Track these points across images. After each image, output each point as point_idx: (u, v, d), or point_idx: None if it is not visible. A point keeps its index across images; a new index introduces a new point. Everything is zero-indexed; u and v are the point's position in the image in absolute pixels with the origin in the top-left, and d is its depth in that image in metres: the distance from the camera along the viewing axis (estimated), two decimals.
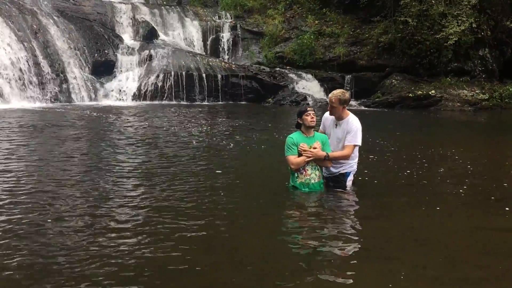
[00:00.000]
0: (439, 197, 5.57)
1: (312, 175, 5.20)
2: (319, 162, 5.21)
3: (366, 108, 18.18)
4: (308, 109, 5.20)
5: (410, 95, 18.44)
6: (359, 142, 5.25)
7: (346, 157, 5.27)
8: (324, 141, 5.27)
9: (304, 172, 5.18)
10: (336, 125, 5.37)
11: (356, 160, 5.48)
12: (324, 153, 5.12)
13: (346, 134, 5.25)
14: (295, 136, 5.23)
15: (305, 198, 5.21)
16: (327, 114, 5.50)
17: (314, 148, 5.11)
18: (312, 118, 5.13)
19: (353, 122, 5.26)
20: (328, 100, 5.29)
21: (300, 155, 5.13)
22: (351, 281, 3.30)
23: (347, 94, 5.31)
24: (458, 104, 18.16)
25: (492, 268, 3.59)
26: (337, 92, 5.32)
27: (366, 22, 21.39)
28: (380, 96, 19.15)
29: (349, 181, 5.45)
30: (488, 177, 6.56)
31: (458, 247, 4.01)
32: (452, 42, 17.95)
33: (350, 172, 5.44)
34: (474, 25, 18.48)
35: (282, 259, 3.66)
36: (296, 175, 5.22)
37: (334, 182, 5.44)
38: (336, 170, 5.41)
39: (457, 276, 3.46)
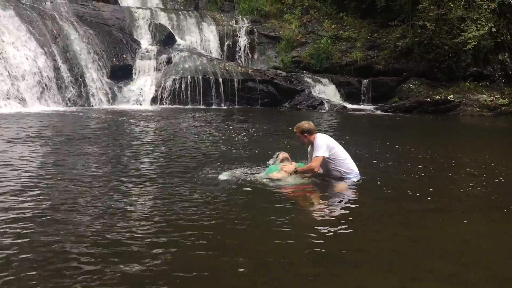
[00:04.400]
0: (456, 202, 5.50)
1: None
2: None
3: (383, 113, 18.05)
4: (278, 152, 6.64)
5: (428, 100, 18.27)
6: (321, 153, 5.96)
7: (312, 169, 6.03)
8: (299, 165, 6.25)
9: None
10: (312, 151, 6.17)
11: (350, 165, 6.10)
12: (293, 167, 6.09)
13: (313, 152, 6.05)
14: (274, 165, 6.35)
15: (317, 201, 5.33)
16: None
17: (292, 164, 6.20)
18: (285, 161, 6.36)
19: (317, 141, 6.02)
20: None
21: None
22: (365, 285, 3.28)
23: (306, 125, 6.10)
24: (477, 109, 17.93)
25: (507, 273, 3.54)
26: (299, 123, 6.19)
27: (383, 26, 21.29)
28: (398, 101, 19.01)
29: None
30: (505, 183, 6.45)
31: (474, 253, 3.95)
32: (471, 47, 17.74)
33: (348, 177, 6.06)
34: (493, 29, 18.25)
35: (295, 263, 3.65)
36: None
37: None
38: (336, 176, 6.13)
39: (472, 282, 3.41)
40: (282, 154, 6.47)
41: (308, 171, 6.11)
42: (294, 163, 6.21)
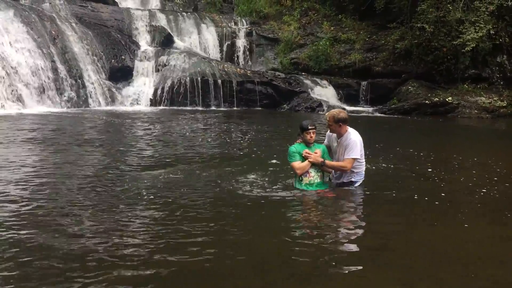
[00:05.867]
0: (457, 206, 5.51)
1: (315, 176, 5.71)
2: (319, 167, 5.70)
3: (381, 115, 18.06)
4: (309, 127, 5.60)
5: (426, 102, 18.27)
6: (356, 155, 5.59)
7: (344, 169, 5.70)
8: (323, 149, 5.78)
9: (308, 175, 5.68)
10: (337, 142, 5.75)
11: (363, 169, 5.84)
12: (321, 159, 5.61)
13: (345, 149, 5.61)
14: (296, 146, 5.74)
15: (319, 203, 5.33)
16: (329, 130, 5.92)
17: (316, 153, 5.63)
18: (311, 136, 5.62)
19: (351, 137, 5.61)
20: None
21: (303, 160, 5.62)
22: None
23: (343, 113, 5.69)
24: (476, 111, 17.94)
25: (508, 279, 3.53)
26: (333, 110, 5.81)
27: (382, 28, 21.29)
28: (396, 103, 19.02)
29: (356, 184, 5.83)
30: (507, 187, 6.44)
31: (475, 258, 3.95)
32: (470, 49, 17.72)
33: (358, 180, 5.82)
34: (492, 32, 18.24)
35: (296, 264, 3.65)
36: (300, 178, 5.69)
37: (342, 186, 5.85)
38: (347, 180, 5.81)
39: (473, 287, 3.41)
40: (310, 134, 5.58)
41: (337, 169, 5.76)
42: (318, 151, 5.64)
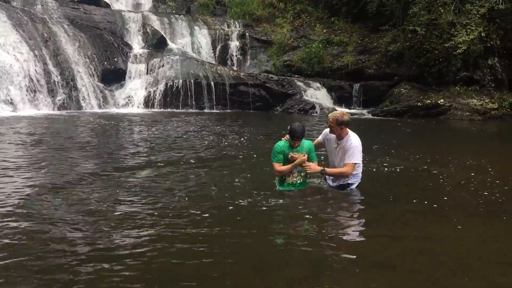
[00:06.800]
0: (452, 207, 5.53)
1: (298, 177, 5.70)
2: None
3: (374, 117, 18.14)
4: (295, 138, 5.48)
5: (418, 104, 18.38)
6: (357, 160, 5.57)
7: (345, 175, 5.65)
8: (310, 148, 5.66)
9: (291, 175, 5.67)
10: (337, 144, 5.67)
11: (360, 171, 5.80)
12: (320, 168, 5.53)
13: (345, 153, 5.55)
14: (282, 145, 5.63)
15: (317, 205, 5.29)
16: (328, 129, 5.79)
17: (304, 155, 5.46)
18: (296, 145, 5.55)
19: (351, 141, 5.54)
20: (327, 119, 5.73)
21: (286, 161, 5.54)
22: None
23: (346, 117, 5.59)
24: (467, 113, 18.07)
25: (504, 282, 3.55)
26: (336, 112, 5.70)
27: (374, 31, 21.42)
28: (389, 105, 19.12)
29: (352, 186, 5.81)
30: (501, 188, 6.49)
31: (472, 258, 3.97)
32: (461, 51, 17.89)
33: (355, 182, 5.79)
34: (483, 34, 18.42)
35: (296, 265, 3.65)
36: (283, 178, 5.69)
37: (339, 189, 5.81)
38: (344, 182, 5.78)
39: None
40: (295, 143, 5.53)
41: (339, 175, 5.70)
42: (305, 154, 5.48)
